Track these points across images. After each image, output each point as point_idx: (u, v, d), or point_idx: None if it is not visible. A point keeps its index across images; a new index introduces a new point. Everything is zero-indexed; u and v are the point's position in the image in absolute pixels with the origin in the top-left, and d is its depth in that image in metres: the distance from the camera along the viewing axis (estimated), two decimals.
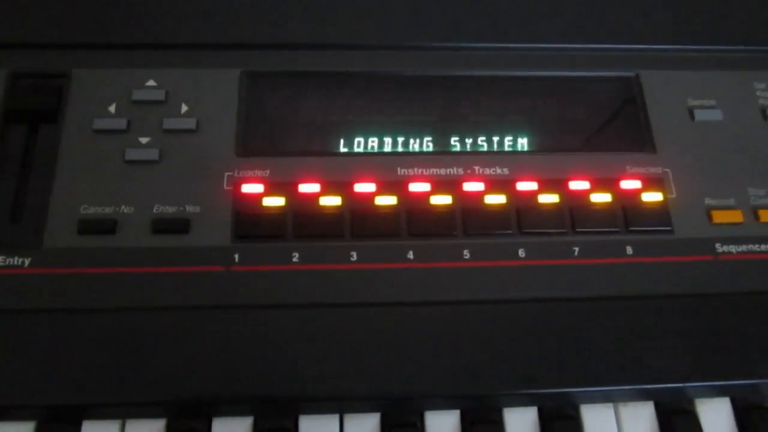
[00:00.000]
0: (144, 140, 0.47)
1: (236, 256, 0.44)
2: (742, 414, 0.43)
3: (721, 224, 0.47)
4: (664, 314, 0.44)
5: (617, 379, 0.42)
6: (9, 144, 0.46)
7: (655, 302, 0.44)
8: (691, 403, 0.43)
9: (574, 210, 0.47)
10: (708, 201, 0.48)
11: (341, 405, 0.42)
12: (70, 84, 0.48)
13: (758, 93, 0.52)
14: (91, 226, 0.44)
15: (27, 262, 0.43)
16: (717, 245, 0.47)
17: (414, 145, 0.49)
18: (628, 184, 0.48)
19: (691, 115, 0.51)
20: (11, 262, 0.43)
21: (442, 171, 0.48)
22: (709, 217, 0.48)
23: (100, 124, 0.47)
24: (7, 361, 0.40)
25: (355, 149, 0.49)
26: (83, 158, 0.46)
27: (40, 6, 0.51)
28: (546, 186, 0.47)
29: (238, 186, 0.46)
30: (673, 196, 0.48)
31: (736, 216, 0.48)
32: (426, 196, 0.47)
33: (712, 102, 0.51)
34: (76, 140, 0.47)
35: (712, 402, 0.43)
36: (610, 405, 0.43)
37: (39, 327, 0.41)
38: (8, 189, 0.45)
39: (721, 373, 0.43)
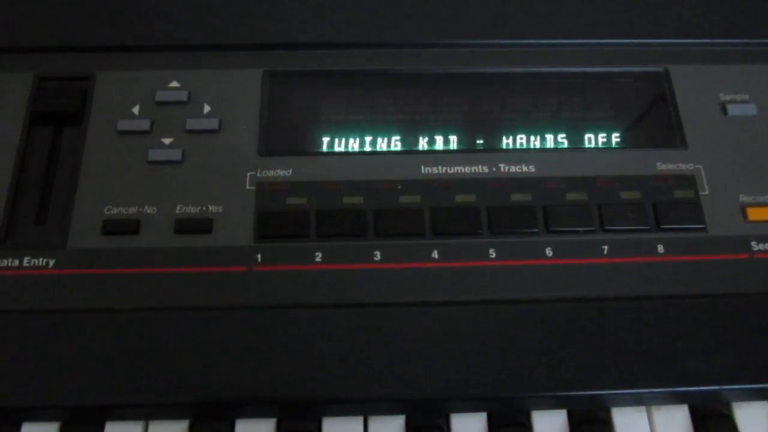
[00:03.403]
0: (167, 141, 0.47)
1: (259, 256, 0.44)
2: None
3: (756, 222, 0.46)
4: (698, 315, 0.43)
5: (650, 382, 0.41)
6: (34, 146, 0.47)
7: (688, 302, 0.43)
8: (728, 407, 0.42)
9: (603, 208, 0.46)
10: (742, 198, 0.47)
11: (365, 407, 0.41)
12: (94, 86, 0.48)
13: None
14: (115, 227, 0.44)
15: (51, 262, 0.43)
16: (752, 243, 0.45)
17: (438, 144, 0.48)
18: (659, 181, 0.47)
19: (724, 110, 0.49)
20: (36, 263, 0.43)
21: (467, 169, 0.47)
22: (744, 215, 0.46)
23: (123, 125, 0.47)
24: (31, 361, 0.41)
25: (378, 148, 0.48)
26: (107, 159, 0.46)
27: (64, 10, 0.51)
28: (573, 183, 0.46)
29: (260, 185, 0.46)
30: (706, 192, 0.47)
31: None
32: (450, 194, 0.46)
33: (745, 96, 0.50)
34: (100, 141, 0.47)
35: (750, 406, 0.42)
36: (643, 408, 0.42)
37: (63, 327, 0.41)
38: (33, 190, 0.46)
39: (758, 375, 0.41)
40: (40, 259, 0.43)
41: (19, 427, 0.40)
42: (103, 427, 0.40)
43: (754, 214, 0.46)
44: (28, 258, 0.43)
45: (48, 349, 0.41)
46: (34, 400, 0.40)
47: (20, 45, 0.50)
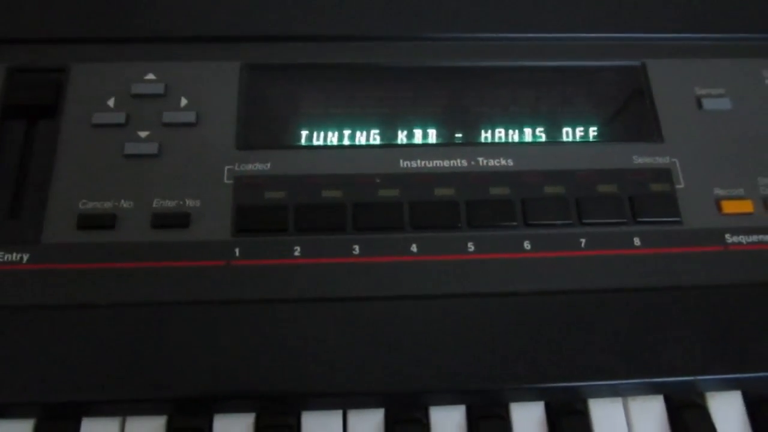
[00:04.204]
0: (143, 134, 0.46)
1: (237, 251, 0.43)
2: (753, 407, 0.42)
3: (730, 214, 0.46)
4: (673, 306, 0.43)
5: (626, 373, 0.41)
6: (8, 139, 0.46)
7: (664, 294, 0.44)
8: (702, 397, 0.43)
9: (581, 201, 0.46)
10: (717, 191, 0.47)
11: (344, 400, 0.41)
12: (69, 78, 0.48)
13: (767, 81, 0.51)
14: (91, 221, 0.44)
15: (26, 257, 0.43)
16: (727, 236, 0.46)
17: (417, 137, 0.48)
18: (635, 175, 0.47)
19: (699, 104, 0.50)
20: (10, 258, 0.43)
21: (446, 163, 0.47)
22: (719, 207, 0.47)
23: (99, 118, 0.47)
24: (5, 358, 0.40)
25: (357, 142, 0.48)
26: (82, 153, 0.46)
27: (37, 1, 0.50)
28: (551, 177, 0.47)
29: (238, 179, 0.45)
30: (681, 186, 0.47)
31: (746, 206, 0.47)
32: (429, 188, 0.46)
33: (721, 91, 0.51)
34: (75, 135, 0.46)
35: (723, 395, 0.43)
36: (619, 399, 0.42)
37: (38, 323, 0.41)
38: (7, 184, 0.45)
39: (732, 365, 0.42)
40: (14, 254, 0.43)
41: None
42: (79, 424, 0.40)
43: (729, 206, 0.47)
44: (2, 253, 0.43)
45: (22, 345, 0.40)
46: (8, 397, 0.39)
47: None
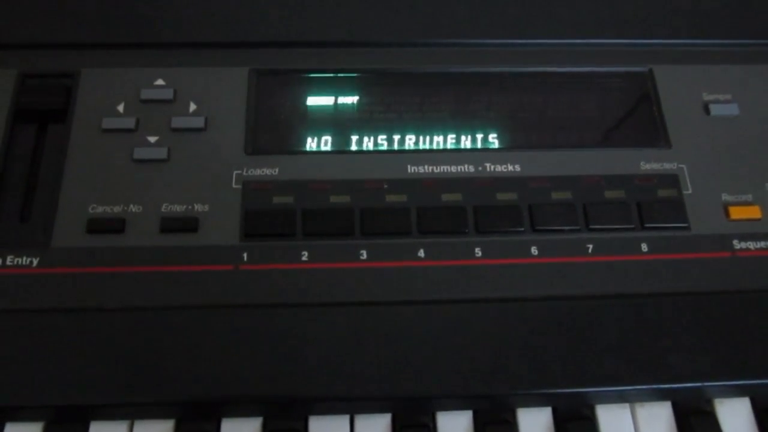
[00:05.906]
0: (152, 139, 0.47)
1: (245, 255, 0.43)
2: (762, 414, 0.42)
3: (738, 220, 0.46)
4: (681, 312, 0.43)
5: (634, 379, 0.41)
6: (18, 143, 0.46)
7: (671, 300, 0.44)
8: (710, 404, 0.43)
9: (588, 207, 0.46)
10: (725, 197, 0.47)
11: (352, 405, 0.41)
12: (79, 83, 0.48)
13: None
14: (100, 226, 0.44)
15: (35, 261, 0.43)
16: (734, 242, 0.46)
17: (424, 143, 0.49)
18: (643, 181, 0.47)
19: (707, 110, 0.50)
20: (20, 262, 0.43)
21: (453, 168, 0.47)
22: (726, 213, 0.47)
23: (108, 123, 0.47)
24: (15, 361, 0.40)
25: (365, 147, 0.48)
26: (92, 157, 0.46)
27: (48, 6, 0.51)
28: (559, 183, 0.47)
29: (246, 184, 0.45)
30: (689, 191, 0.47)
31: (753, 212, 0.47)
32: (437, 193, 0.46)
33: (728, 96, 0.51)
34: (85, 140, 0.47)
35: (731, 402, 0.42)
36: (626, 405, 0.42)
37: (47, 327, 0.41)
38: (17, 188, 0.45)
39: (740, 372, 0.42)
40: (24, 258, 0.43)
41: (2, 427, 0.40)
42: (87, 427, 0.40)
43: (736, 212, 0.47)
44: (12, 257, 0.43)
45: (32, 348, 0.41)
46: (17, 400, 0.40)
47: (3, 41, 0.49)
